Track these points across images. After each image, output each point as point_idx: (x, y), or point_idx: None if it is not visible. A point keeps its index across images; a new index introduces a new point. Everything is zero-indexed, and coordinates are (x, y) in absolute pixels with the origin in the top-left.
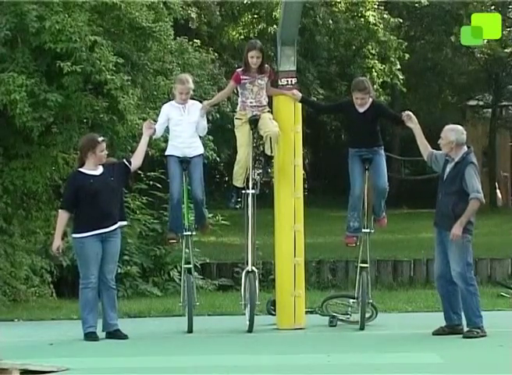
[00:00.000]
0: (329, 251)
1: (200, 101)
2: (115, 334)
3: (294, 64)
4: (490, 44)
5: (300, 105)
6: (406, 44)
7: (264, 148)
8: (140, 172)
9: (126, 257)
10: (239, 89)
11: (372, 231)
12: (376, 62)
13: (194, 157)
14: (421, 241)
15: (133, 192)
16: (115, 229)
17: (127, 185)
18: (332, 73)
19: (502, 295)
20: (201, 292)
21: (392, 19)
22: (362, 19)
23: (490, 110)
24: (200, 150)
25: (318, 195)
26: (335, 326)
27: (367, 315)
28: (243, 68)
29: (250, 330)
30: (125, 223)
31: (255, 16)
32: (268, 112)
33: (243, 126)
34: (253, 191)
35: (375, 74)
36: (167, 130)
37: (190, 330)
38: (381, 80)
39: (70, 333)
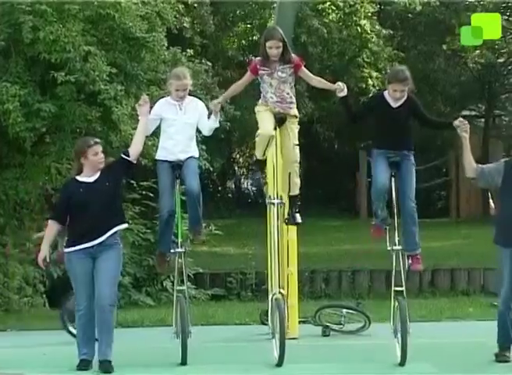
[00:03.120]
0: (323, 261)
1: (200, 99)
2: (101, 365)
3: None
4: (483, 53)
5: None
6: (403, 54)
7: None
8: (132, 181)
9: None
10: (260, 81)
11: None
12: (371, 70)
13: (188, 158)
14: None
15: (125, 202)
16: (109, 237)
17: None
18: None
19: (495, 305)
20: (194, 302)
21: (384, 31)
22: (357, 28)
23: (483, 120)
24: (195, 154)
25: (312, 205)
26: (328, 335)
27: (359, 324)
28: (261, 58)
29: (280, 364)
30: (125, 225)
31: (248, 26)
32: (296, 117)
33: (266, 111)
34: (278, 201)
35: (371, 83)
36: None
37: (184, 362)
38: (377, 88)
39: (63, 344)
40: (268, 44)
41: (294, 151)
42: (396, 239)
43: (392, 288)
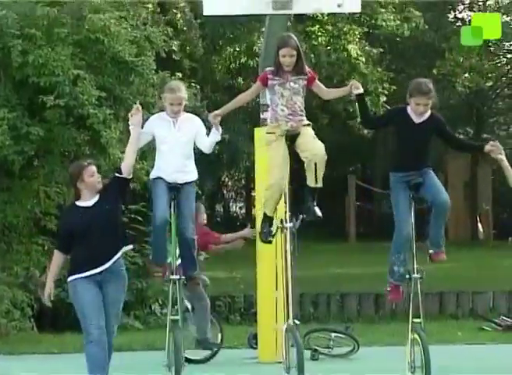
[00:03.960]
0: (311, 285)
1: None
2: None
3: None
4: (472, 77)
5: None
6: (392, 75)
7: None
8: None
9: None
10: (268, 94)
11: (424, 276)
12: None
13: (186, 184)
14: None
15: None
16: (115, 262)
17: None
18: (314, 106)
19: (483, 329)
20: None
21: (374, 50)
22: (345, 53)
23: None
24: (194, 176)
25: (300, 228)
26: (317, 359)
27: (348, 348)
28: (274, 68)
29: None
30: (130, 247)
31: (236, 49)
32: (309, 125)
33: (277, 141)
34: (291, 225)
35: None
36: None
37: None
38: None
39: (51, 368)
40: (281, 52)
41: (316, 142)
42: (415, 266)
43: (410, 319)
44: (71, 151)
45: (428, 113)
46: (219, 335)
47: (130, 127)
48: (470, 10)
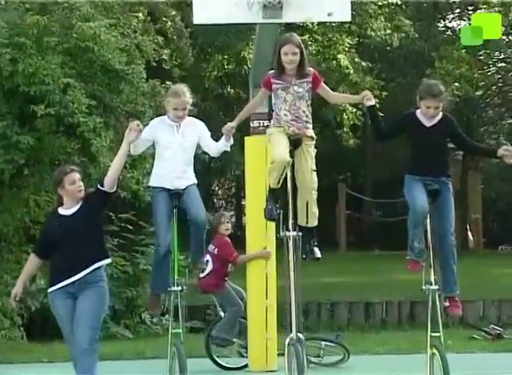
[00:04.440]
0: (301, 293)
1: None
2: None
3: (267, 106)
4: (462, 86)
5: None
6: (383, 83)
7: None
8: (111, 214)
9: None
10: (273, 98)
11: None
12: (347, 105)
13: (187, 187)
14: (393, 282)
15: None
16: (90, 274)
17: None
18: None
19: (474, 337)
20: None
21: (363, 63)
22: (334, 62)
23: (462, 152)
24: (194, 181)
25: None
26: (307, 368)
27: (338, 357)
28: (276, 70)
29: None
30: (107, 261)
31: (225, 56)
32: (312, 139)
33: (280, 133)
34: (294, 234)
35: (346, 117)
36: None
37: None
38: (351, 122)
39: None
40: (283, 49)
41: (312, 176)
42: (432, 278)
43: (428, 333)
44: (61, 159)
45: (440, 116)
46: None
47: (123, 142)
48: (460, 19)
